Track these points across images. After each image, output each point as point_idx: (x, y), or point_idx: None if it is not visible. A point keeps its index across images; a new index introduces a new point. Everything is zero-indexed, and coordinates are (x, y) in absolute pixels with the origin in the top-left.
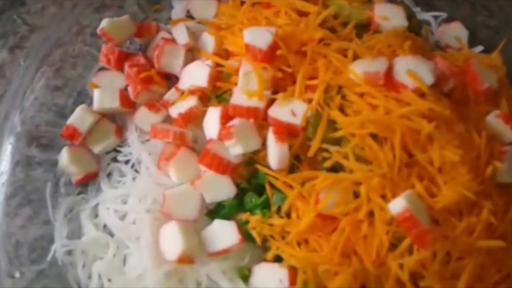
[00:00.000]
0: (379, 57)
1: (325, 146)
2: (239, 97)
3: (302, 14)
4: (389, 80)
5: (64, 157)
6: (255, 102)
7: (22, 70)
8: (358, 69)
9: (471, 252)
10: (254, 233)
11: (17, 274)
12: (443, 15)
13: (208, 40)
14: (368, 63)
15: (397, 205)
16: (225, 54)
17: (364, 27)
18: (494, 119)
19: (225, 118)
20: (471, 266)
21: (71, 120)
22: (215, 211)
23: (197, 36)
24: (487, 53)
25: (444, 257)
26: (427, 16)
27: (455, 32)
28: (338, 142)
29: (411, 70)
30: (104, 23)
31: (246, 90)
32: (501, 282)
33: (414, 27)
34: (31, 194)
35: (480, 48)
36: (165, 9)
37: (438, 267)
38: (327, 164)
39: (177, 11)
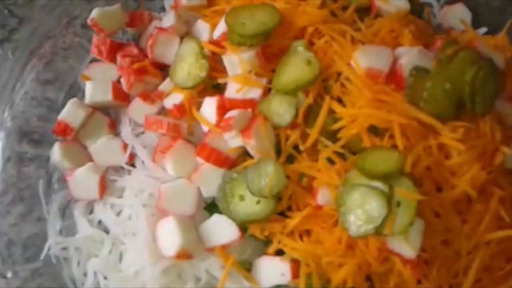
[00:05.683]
0: (384, 48)
1: (322, 139)
2: (233, 89)
3: None
4: (390, 71)
5: (56, 153)
6: (251, 93)
7: (11, 64)
8: (362, 62)
9: (480, 245)
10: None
11: (9, 274)
12: None
13: (203, 28)
14: (372, 55)
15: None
16: None
17: (365, 11)
18: (501, 102)
19: (222, 108)
20: (480, 258)
21: (63, 116)
22: (213, 205)
23: (190, 24)
24: (491, 34)
25: (451, 253)
26: None
27: (458, 14)
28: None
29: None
30: (95, 13)
31: (236, 77)
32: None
33: (416, 10)
34: (23, 191)
35: (484, 29)
36: None
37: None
38: (323, 156)
39: None
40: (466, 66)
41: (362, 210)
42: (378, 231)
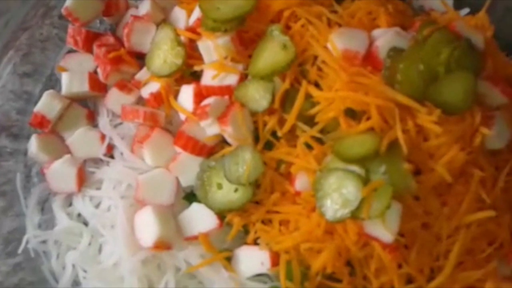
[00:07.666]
0: (360, 31)
1: (300, 124)
2: (209, 76)
3: None
4: (367, 53)
5: (33, 145)
6: (227, 80)
7: None
8: (338, 44)
9: (461, 227)
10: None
11: None
12: None
13: (179, 14)
14: (349, 37)
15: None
16: None
17: None
18: (480, 83)
19: (199, 96)
20: (461, 241)
21: (39, 107)
22: (193, 194)
23: (167, 11)
24: (473, 15)
25: (431, 237)
26: None
27: None
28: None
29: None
30: (69, 2)
31: (211, 63)
32: (494, 254)
33: None
34: (3, 185)
35: (466, 10)
36: None
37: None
38: (301, 141)
39: None
40: (440, 47)
41: (339, 194)
42: (355, 215)
